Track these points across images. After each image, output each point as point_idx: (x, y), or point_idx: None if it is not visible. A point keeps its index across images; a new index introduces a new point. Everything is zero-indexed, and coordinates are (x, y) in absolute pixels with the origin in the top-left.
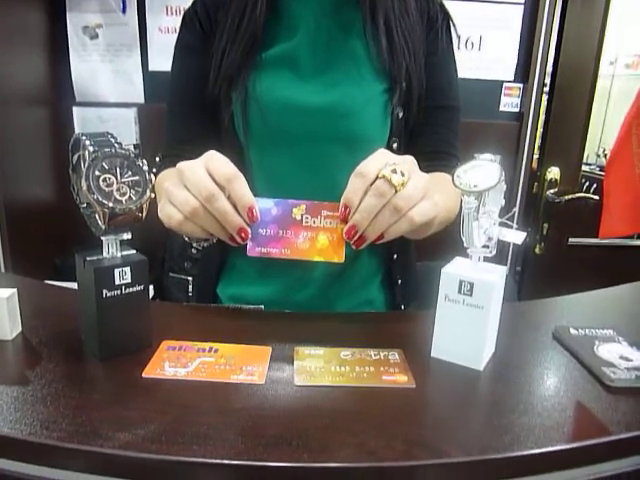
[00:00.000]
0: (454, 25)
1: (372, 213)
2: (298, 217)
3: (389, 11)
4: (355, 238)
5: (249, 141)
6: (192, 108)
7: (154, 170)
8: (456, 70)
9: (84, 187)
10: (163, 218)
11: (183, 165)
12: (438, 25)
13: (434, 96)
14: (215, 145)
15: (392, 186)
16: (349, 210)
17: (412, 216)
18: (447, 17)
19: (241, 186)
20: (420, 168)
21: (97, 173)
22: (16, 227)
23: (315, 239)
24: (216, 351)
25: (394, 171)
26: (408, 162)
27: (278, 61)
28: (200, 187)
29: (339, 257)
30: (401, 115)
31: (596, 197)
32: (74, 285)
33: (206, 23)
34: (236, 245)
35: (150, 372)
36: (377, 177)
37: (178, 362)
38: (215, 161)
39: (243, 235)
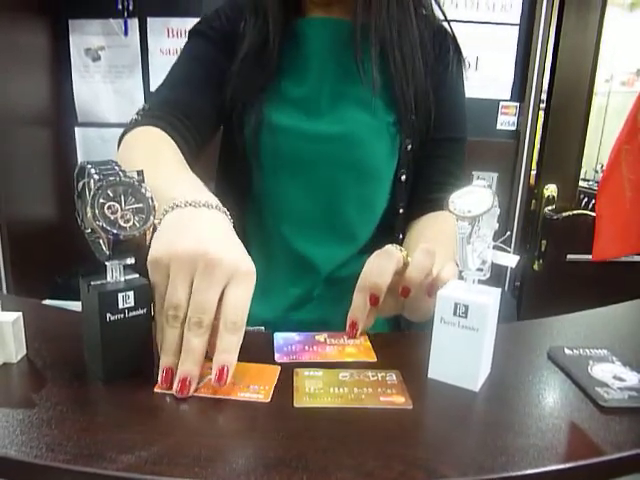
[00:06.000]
0: (464, 60)
1: None
2: (322, 340)
3: (386, 44)
4: None
5: (259, 165)
6: (197, 86)
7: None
8: (464, 103)
9: (89, 214)
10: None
11: (211, 255)
12: (449, 58)
13: (440, 128)
14: (210, 125)
15: None
16: (357, 328)
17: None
18: (458, 50)
19: (239, 340)
20: (423, 201)
21: (102, 201)
22: (18, 245)
23: (342, 351)
24: None
25: None
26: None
27: (291, 89)
28: (200, 314)
29: (371, 358)
30: (410, 147)
31: (593, 214)
32: (75, 304)
33: (227, 32)
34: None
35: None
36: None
37: None
38: (234, 297)
39: (164, 375)
